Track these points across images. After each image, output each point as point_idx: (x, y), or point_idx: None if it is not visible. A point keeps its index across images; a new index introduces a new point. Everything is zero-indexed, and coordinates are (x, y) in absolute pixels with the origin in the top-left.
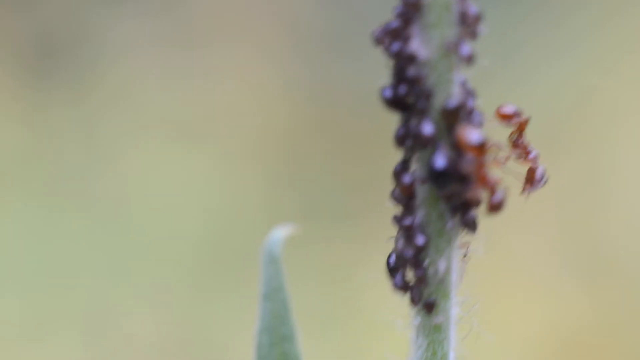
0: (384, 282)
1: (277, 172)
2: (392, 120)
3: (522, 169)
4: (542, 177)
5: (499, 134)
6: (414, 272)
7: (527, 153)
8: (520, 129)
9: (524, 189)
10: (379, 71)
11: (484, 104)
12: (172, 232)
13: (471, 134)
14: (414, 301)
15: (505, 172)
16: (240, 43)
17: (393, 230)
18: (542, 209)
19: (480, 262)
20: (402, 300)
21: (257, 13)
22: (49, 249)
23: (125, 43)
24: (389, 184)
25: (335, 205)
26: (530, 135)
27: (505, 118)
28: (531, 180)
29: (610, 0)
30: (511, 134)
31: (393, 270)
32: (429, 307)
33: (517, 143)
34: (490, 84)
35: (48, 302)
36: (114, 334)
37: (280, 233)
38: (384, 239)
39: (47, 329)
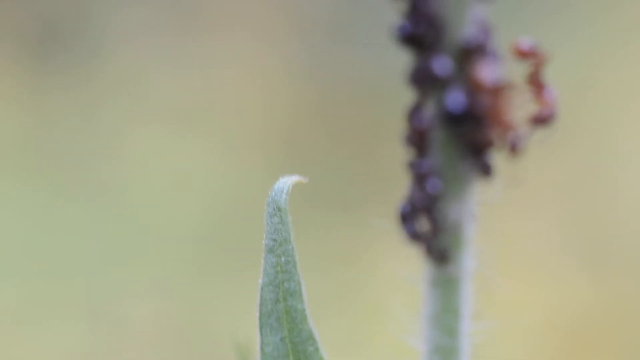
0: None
1: (279, 158)
2: (395, 108)
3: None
4: (553, 115)
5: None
6: (428, 219)
7: (543, 89)
8: (538, 65)
9: (534, 120)
10: (382, 59)
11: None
12: (173, 218)
13: (488, 73)
14: (427, 250)
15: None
16: (242, 30)
17: (396, 213)
18: (546, 196)
19: (484, 248)
20: (411, 260)
21: (260, 2)
22: (49, 235)
23: (127, 29)
24: (390, 172)
25: (337, 192)
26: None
27: (523, 55)
28: (544, 114)
29: None
30: (528, 72)
31: (406, 218)
32: (443, 256)
33: (534, 80)
34: None
35: (47, 288)
36: (115, 320)
37: (285, 182)
38: (386, 226)
39: (46, 316)
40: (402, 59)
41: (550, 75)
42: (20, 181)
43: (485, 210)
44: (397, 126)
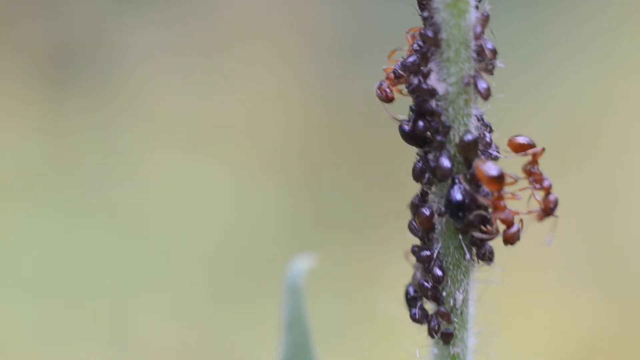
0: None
1: (295, 180)
2: None
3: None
4: (556, 205)
5: (510, 166)
6: (432, 303)
7: (542, 181)
8: (535, 158)
9: (540, 217)
10: None
11: (504, 108)
12: (190, 239)
13: (489, 168)
14: (432, 332)
15: (521, 203)
16: (258, 52)
17: (410, 239)
18: (560, 219)
19: (499, 274)
20: (421, 329)
21: (275, 22)
22: (67, 256)
23: (143, 51)
24: (406, 193)
25: (353, 214)
26: (550, 142)
27: (520, 148)
28: (547, 208)
29: (630, 6)
30: (526, 164)
31: (412, 300)
32: (447, 338)
33: (532, 171)
34: (511, 87)
35: (66, 308)
36: (132, 341)
37: (302, 265)
38: (403, 248)
39: (65, 336)
40: None
41: (569, 90)
42: (39, 203)
43: (487, 291)
44: (411, 147)
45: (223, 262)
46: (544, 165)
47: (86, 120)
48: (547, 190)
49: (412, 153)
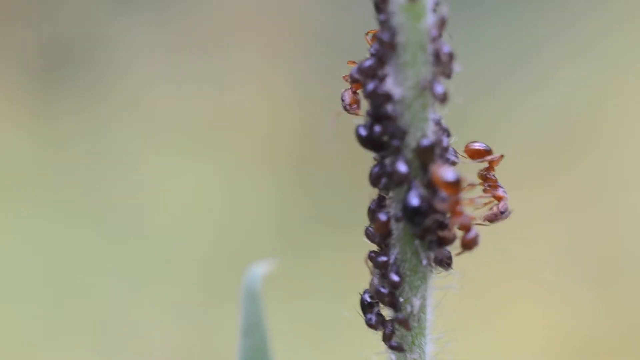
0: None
1: (288, 178)
2: None
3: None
4: (505, 211)
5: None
6: (390, 309)
7: (496, 187)
8: (491, 165)
9: (485, 218)
10: None
11: (498, 108)
12: (184, 238)
13: (446, 172)
14: (387, 339)
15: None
16: (250, 51)
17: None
18: (552, 216)
19: (490, 272)
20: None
21: (267, 21)
22: (62, 256)
23: (135, 52)
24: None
25: (347, 212)
26: (545, 140)
27: (476, 155)
28: (496, 213)
29: (625, 4)
30: (482, 169)
31: (368, 307)
32: (397, 350)
33: (487, 177)
34: (504, 87)
35: (61, 309)
36: (127, 341)
37: (260, 269)
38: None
39: (59, 336)
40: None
41: (563, 90)
42: (33, 203)
43: (445, 298)
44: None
45: (219, 261)
46: (540, 164)
47: (80, 121)
48: (499, 199)
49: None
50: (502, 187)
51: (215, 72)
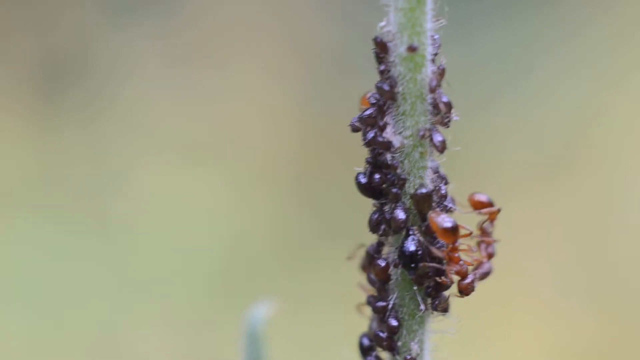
0: None
1: (287, 192)
2: None
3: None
4: (489, 272)
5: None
6: (388, 353)
7: (490, 244)
8: (492, 218)
9: (466, 279)
10: None
11: (497, 123)
12: (183, 252)
13: (443, 220)
14: None
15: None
16: (251, 65)
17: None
18: (552, 233)
19: (489, 285)
20: None
21: (267, 35)
22: (60, 269)
23: (134, 66)
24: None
25: (346, 226)
26: (543, 155)
27: (479, 206)
28: (481, 273)
29: (623, 18)
30: (483, 221)
31: (367, 350)
32: None
33: (487, 231)
34: (502, 103)
35: (59, 321)
36: (125, 353)
37: (262, 311)
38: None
39: (57, 349)
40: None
41: (561, 104)
42: (32, 218)
43: (442, 341)
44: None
45: (216, 274)
46: (538, 179)
47: (79, 135)
48: (489, 256)
49: None
50: (493, 248)
51: (215, 86)
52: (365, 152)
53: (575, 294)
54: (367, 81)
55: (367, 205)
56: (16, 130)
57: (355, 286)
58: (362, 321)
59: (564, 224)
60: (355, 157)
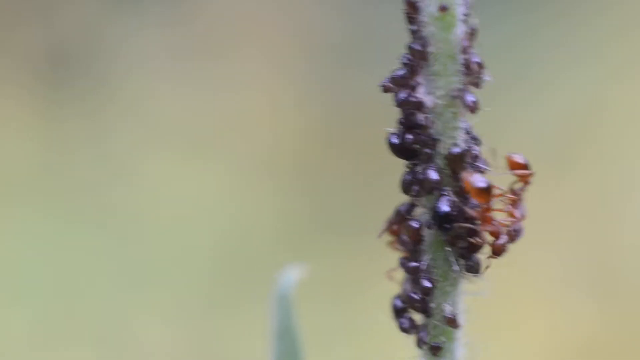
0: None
1: (290, 185)
2: None
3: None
4: (521, 233)
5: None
6: (421, 314)
7: (519, 207)
8: (525, 180)
9: (500, 239)
10: None
11: (501, 114)
12: (186, 244)
13: (477, 179)
14: (420, 343)
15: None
16: (254, 56)
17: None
18: (553, 224)
19: (492, 278)
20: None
21: (271, 26)
22: (62, 260)
23: (138, 55)
24: (403, 197)
25: (349, 219)
26: (546, 148)
27: (515, 166)
28: (511, 234)
29: (627, 11)
30: (516, 183)
31: (400, 312)
32: (435, 350)
33: (518, 193)
34: (506, 94)
35: (60, 313)
36: (127, 345)
37: (292, 276)
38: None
39: (59, 340)
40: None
41: (565, 97)
42: (34, 207)
43: (475, 303)
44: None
45: (218, 266)
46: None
47: (82, 124)
48: (521, 217)
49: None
50: (523, 210)
51: (219, 77)
52: (369, 145)
53: (579, 286)
54: (371, 73)
55: (371, 196)
56: (19, 118)
57: (353, 279)
58: (365, 312)
59: (567, 214)
60: (359, 149)
